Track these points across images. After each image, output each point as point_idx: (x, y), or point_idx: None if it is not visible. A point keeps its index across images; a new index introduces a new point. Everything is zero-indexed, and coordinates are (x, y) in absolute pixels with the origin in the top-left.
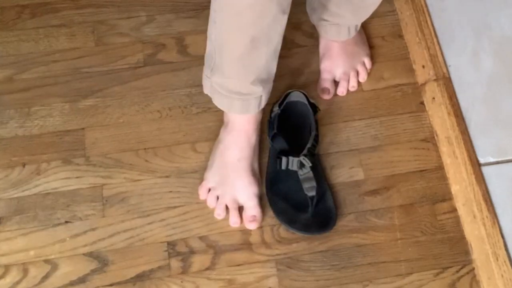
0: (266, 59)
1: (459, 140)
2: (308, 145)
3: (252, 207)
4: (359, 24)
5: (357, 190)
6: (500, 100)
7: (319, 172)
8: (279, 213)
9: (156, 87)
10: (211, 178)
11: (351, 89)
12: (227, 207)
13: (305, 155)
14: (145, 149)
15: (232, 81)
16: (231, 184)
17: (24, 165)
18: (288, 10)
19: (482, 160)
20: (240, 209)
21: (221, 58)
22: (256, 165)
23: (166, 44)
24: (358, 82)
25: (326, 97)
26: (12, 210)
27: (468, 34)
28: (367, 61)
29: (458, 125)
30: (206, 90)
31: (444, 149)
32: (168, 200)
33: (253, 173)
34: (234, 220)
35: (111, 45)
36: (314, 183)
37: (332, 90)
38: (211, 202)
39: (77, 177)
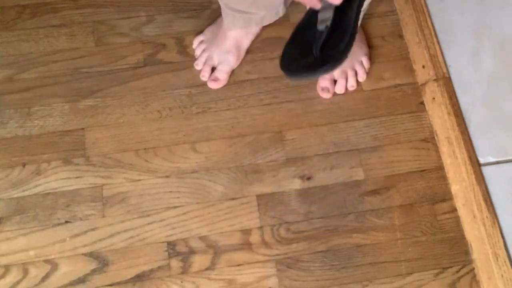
0: None
1: (459, 140)
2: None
3: (220, 70)
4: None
5: (357, 190)
6: (500, 100)
7: (351, 15)
8: (283, 55)
9: (156, 87)
10: (206, 32)
11: (350, 88)
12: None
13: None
14: (145, 149)
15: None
16: (216, 43)
17: (24, 165)
18: None
19: (482, 160)
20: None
21: None
22: (245, 45)
23: (166, 44)
24: (358, 82)
25: (326, 95)
26: (12, 210)
27: (468, 34)
28: (365, 61)
29: (458, 125)
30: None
31: (444, 149)
32: (168, 200)
33: (238, 47)
34: (202, 74)
35: (111, 45)
36: (330, 15)
37: (331, 89)
38: (197, 52)
39: (77, 177)
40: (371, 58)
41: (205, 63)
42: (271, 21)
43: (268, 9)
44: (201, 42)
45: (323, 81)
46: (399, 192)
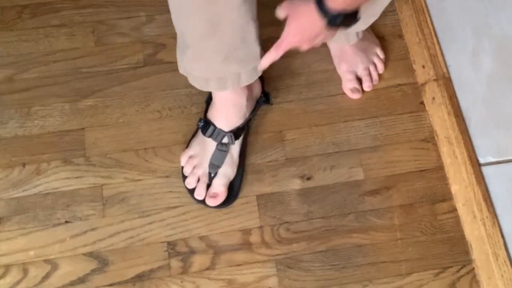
0: (230, 42)
1: (459, 140)
2: (239, 125)
3: (217, 185)
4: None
5: (357, 190)
6: (500, 100)
7: (238, 158)
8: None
9: (156, 87)
10: (193, 146)
11: (374, 82)
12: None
13: (233, 132)
14: (145, 149)
15: (201, 62)
16: (206, 158)
17: (24, 165)
18: None
19: (482, 160)
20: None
21: (184, 41)
22: (237, 148)
23: (166, 44)
24: (378, 74)
25: (357, 96)
26: (12, 210)
27: (468, 34)
28: (379, 52)
29: (458, 125)
30: (181, 71)
31: (444, 149)
32: (168, 200)
33: (230, 155)
34: (198, 192)
35: (111, 45)
36: (220, 164)
37: (359, 88)
38: (187, 170)
39: (77, 177)
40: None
41: (198, 181)
42: (250, 81)
43: (243, 65)
44: (190, 157)
45: (350, 82)
46: (399, 192)
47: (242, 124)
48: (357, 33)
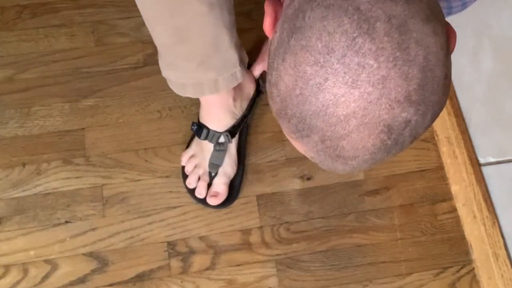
0: (202, 50)
1: (459, 140)
2: (234, 123)
3: (218, 184)
4: None
5: (357, 190)
6: (500, 100)
7: (238, 155)
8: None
9: (156, 87)
10: (193, 146)
11: None
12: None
13: (228, 132)
14: (145, 149)
15: (174, 69)
16: (206, 158)
17: (24, 165)
18: (217, 1)
19: (482, 160)
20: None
21: (158, 47)
22: (234, 146)
23: None
24: None
25: None
26: (12, 210)
27: (468, 34)
28: None
29: (458, 125)
30: (163, 74)
31: (444, 149)
32: (168, 200)
33: (229, 154)
34: (199, 191)
35: (111, 45)
36: (220, 163)
37: None
38: (188, 170)
39: (77, 177)
40: None
41: (199, 180)
42: (229, 86)
43: (220, 71)
44: (191, 157)
45: None
46: (399, 192)
47: (238, 121)
48: None
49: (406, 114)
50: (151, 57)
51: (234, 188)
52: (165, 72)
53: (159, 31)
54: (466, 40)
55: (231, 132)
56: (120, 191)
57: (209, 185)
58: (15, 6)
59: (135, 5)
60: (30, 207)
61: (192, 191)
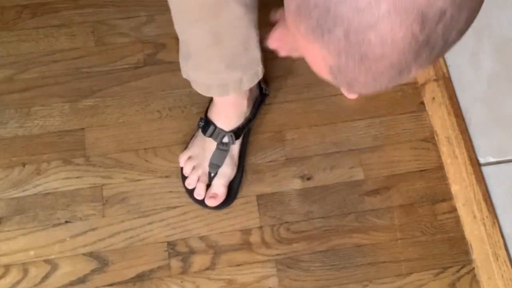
0: (233, 51)
1: (459, 140)
2: (239, 124)
3: (217, 185)
4: None
5: (357, 190)
6: (500, 100)
7: (239, 156)
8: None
9: (156, 87)
10: (192, 147)
11: None
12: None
13: (233, 132)
14: (145, 149)
15: (203, 70)
16: (206, 158)
17: (24, 165)
18: (251, 2)
19: (482, 160)
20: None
21: (187, 48)
22: (237, 148)
23: (166, 44)
24: None
25: (353, 96)
26: (12, 210)
27: (468, 34)
28: None
29: (458, 125)
30: (184, 76)
31: (444, 149)
32: (168, 200)
33: (230, 155)
34: (198, 192)
35: (111, 45)
36: (220, 164)
37: None
38: (186, 171)
39: (77, 177)
40: None
41: (198, 181)
42: (251, 85)
43: (245, 70)
44: (189, 158)
45: None
46: (399, 192)
47: (243, 124)
48: None
49: (442, 3)
50: (151, 57)
51: (232, 189)
52: (191, 73)
53: (195, 35)
54: (466, 40)
55: (236, 133)
56: (120, 191)
57: (208, 186)
58: (15, 6)
59: (135, 5)
60: (30, 207)
61: (191, 192)
